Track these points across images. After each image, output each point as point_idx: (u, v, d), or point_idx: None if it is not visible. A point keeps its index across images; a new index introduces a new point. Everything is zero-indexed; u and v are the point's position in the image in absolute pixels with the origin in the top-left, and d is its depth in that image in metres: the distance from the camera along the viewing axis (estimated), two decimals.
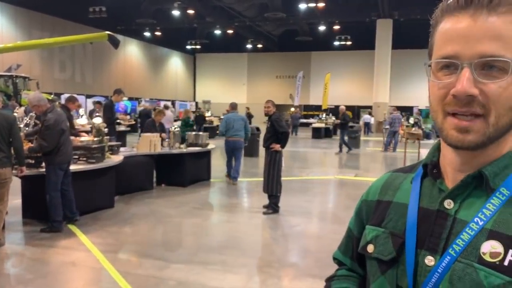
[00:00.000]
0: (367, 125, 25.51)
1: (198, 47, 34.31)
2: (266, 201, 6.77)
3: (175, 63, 38.42)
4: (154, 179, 8.47)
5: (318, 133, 22.05)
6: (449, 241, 0.72)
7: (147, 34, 30.42)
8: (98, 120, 7.10)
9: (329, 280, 1.01)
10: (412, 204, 0.80)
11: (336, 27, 27.50)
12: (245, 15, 25.85)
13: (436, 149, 0.82)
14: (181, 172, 8.51)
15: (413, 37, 21.59)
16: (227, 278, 4.19)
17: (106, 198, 6.60)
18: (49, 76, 25.06)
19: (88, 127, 10.25)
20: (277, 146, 6.48)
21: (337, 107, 30.78)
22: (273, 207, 6.65)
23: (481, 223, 0.70)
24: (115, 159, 6.77)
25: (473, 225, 0.71)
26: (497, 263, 0.67)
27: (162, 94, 34.02)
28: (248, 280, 4.19)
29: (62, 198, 5.48)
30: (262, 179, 6.77)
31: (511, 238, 0.68)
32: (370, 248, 0.84)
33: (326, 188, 9.21)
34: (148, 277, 4.15)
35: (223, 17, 26.83)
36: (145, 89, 32.78)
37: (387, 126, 16.41)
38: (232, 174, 9.06)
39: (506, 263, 0.66)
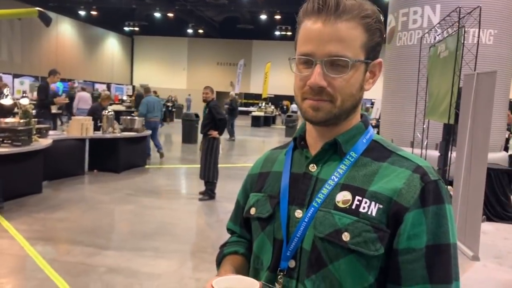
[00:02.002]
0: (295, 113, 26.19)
1: (136, 29, 33.15)
2: (202, 187, 6.78)
3: (112, 45, 36.87)
4: (86, 165, 8.17)
5: (257, 122, 22.29)
6: (313, 196, 0.90)
7: (82, 12, 28.91)
8: (25, 101, 6.70)
9: (222, 247, 1.13)
10: (285, 170, 0.98)
11: (277, 17, 27.74)
12: None
13: (304, 126, 0.99)
14: (114, 157, 8.27)
15: None
16: (159, 264, 4.18)
17: (33, 183, 6.28)
18: None
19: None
20: (214, 133, 6.50)
21: (277, 96, 31.29)
22: (209, 193, 6.69)
23: (336, 179, 0.89)
24: (43, 142, 6.44)
25: (330, 182, 0.89)
26: (347, 207, 0.85)
27: (97, 76, 32.58)
28: (180, 265, 4.21)
29: None
30: (199, 165, 6.77)
31: (356, 188, 0.86)
32: (253, 210, 1.00)
33: None
34: (76, 264, 4.04)
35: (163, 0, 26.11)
36: (79, 70, 31.20)
37: None
38: (160, 149, 9.92)
39: (353, 207, 0.85)
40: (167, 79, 36.34)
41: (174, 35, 36.03)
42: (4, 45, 26.28)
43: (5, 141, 5.85)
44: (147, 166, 9.16)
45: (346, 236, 0.83)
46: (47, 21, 18.84)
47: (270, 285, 0.91)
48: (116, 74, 36.87)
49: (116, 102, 23.78)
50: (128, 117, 9.00)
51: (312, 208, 0.88)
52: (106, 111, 8.46)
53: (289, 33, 30.71)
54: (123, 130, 8.59)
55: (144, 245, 4.62)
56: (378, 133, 11.63)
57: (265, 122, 22.65)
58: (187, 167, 9.70)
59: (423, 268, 0.81)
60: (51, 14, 18.28)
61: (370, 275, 0.83)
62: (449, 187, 6.29)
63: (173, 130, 17.29)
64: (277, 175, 0.99)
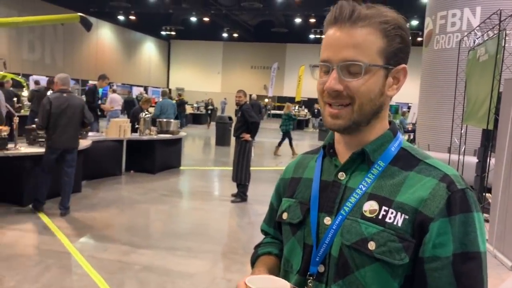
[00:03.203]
0: None
1: (173, 33, 33.83)
2: (235, 189, 6.86)
3: (149, 49, 37.78)
4: (124, 165, 8.42)
5: None
6: (341, 204, 0.92)
7: (121, 17, 29.77)
8: None
9: (257, 247, 1.18)
10: (315, 178, 1.00)
11: (312, 20, 27.64)
12: (222, 4, 25.66)
13: (333, 134, 1.01)
14: (150, 159, 8.49)
15: None
16: (192, 263, 4.27)
17: (73, 182, 6.52)
18: (17, 56, 24.25)
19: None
20: (247, 136, 6.57)
21: (310, 99, 31.13)
22: (241, 195, 6.75)
23: (363, 189, 0.91)
24: (83, 143, 6.69)
25: (358, 191, 0.91)
26: (374, 217, 0.87)
27: (135, 80, 33.45)
28: (212, 265, 4.29)
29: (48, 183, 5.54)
30: (231, 168, 6.85)
31: (383, 198, 0.88)
32: (285, 215, 1.03)
33: None
34: (113, 262, 4.18)
35: (200, 4, 26.53)
36: (117, 73, 32.11)
37: None
38: None
39: (380, 216, 0.87)
40: (202, 83, 36.83)
41: (209, 39, 36.52)
42: (48, 49, 27.41)
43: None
44: (181, 168, 9.33)
45: (371, 245, 0.85)
46: (88, 26, 19.44)
47: None
48: (153, 77, 37.72)
49: (153, 105, 24.29)
50: (164, 120, 9.21)
51: (340, 216, 0.90)
52: (143, 113, 8.69)
53: (323, 36, 30.48)
54: (159, 132, 8.79)
55: (177, 245, 4.72)
56: (414, 137, 11.35)
57: (298, 125, 22.57)
58: (220, 169, 9.82)
59: (450, 276, 0.82)
60: (92, 19, 18.97)
61: (395, 283, 0.85)
62: (487, 194, 6.10)
63: (210, 133, 17.53)
64: (308, 182, 1.02)
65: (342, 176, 0.95)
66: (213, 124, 17.06)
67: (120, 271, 3.99)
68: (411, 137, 12.41)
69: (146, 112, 8.89)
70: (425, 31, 9.46)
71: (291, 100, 25.00)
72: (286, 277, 0.99)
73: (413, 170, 0.90)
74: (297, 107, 24.85)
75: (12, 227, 4.95)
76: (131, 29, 33.89)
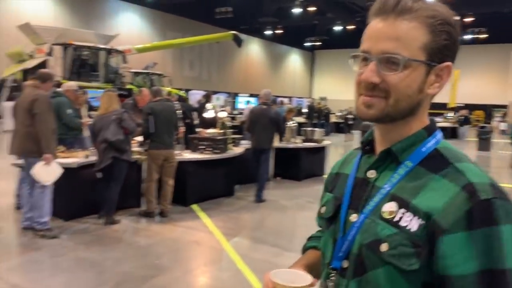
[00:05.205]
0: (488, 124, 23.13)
1: (317, 43, 34.37)
2: None
3: (294, 60, 38.98)
4: (272, 172, 8.83)
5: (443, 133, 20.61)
6: (367, 202, 0.91)
7: (268, 32, 31.38)
8: (223, 114, 7.65)
9: (309, 239, 1.25)
10: (351, 174, 1.00)
11: (469, 19, 25.30)
12: (368, 10, 25.19)
13: (372, 131, 0.99)
14: (296, 166, 8.75)
15: None
16: None
17: (227, 186, 7.11)
18: (180, 73, 27.33)
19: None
20: None
21: (467, 105, 28.42)
22: None
23: (387, 188, 0.88)
24: (236, 150, 7.24)
25: (382, 190, 0.88)
26: (391, 219, 0.84)
27: (280, 91, 34.76)
28: None
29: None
30: None
31: (403, 200, 0.85)
32: (323, 209, 1.05)
33: None
34: (264, 262, 4.43)
35: (344, 13, 26.48)
36: (264, 85, 33.63)
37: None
38: None
39: (396, 219, 0.84)
40: (345, 91, 36.48)
41: (354, 47, 35.85)
42: (205, 66, 30.26)
43: (206, 149, 6.78)
44: (324, 176, 9.38)
45: (384, 247, 0.83)
46: (239, 43, 20.94)
47: (324, 283, 0.97)
48: (297, 87, 38.78)
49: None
50: (309, 129, 9.41)
51: (363, 215, 0.90)
52: (289, 122, 9.01)
53: (482, 36, 27.68)
54: (304, 141, 9.02)
55: None
56: None
57: (452, 133, 20.74)
58: None
59: None
60: (242, 36, 20.38)
61: None
62: None
63: (353, 142, 17.34)
64: (345, 177, 1.02)
65: (372, 174, 0.93)
66: (356, 132, 16.79)
67: None
68: None
69: (292, 122, 9.19)
70: None
71: (443, 106, 23.18)
72: (323, 270, 1.01)
73: (438, 174, 0.84)
74: (453, 114, 22.93)
75: (178, 224, 5.60)
76: (277, 43, 35.42)
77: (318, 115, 20.71)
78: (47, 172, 4.59)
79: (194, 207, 6.34)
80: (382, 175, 0.92)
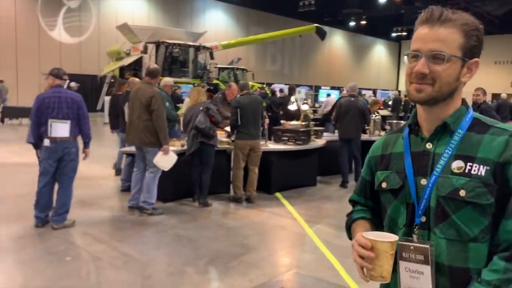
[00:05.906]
0: None
1: (404, 34, 33.03)
2: None
3: (379, 51, 37.84)
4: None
5: None
6: (433, 167, 1.18)
7: (352, 23, 30.78)
8: (305, 107, 7.87)
9: (350, 214, 1.44)
10: (406, 151, 1.26)
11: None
12: None
13: (415, 114, 1.25)
14: None
15: None
16: None
17: (310, 176, 7.35)
18: (262, 68, 27.91)
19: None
20: None
21: None
22: None
23: (449, 152, 1.16)
24: (319, 142, 7.44)
25: (445, 154, 1.16)
26: (461, 172, 1.13)
27: (364, 83, 33.94)
28: None
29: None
30: None
31: (467, 156, 1.14)
32: (384, 184, 1.28)
33: None
34: (346, 248, 4.60)
35: (432, 2, 25.14)
36: (347, 78, 33.18)
37: None
38: None
39: (466, 171, 1.12)
40: None
41: None
42: (286, 60, 30.53)
43: (289, 140, 7.06)
44: None
45: (462, 193, 1.11)
46: (322, 35, 20.76)
47: (408, 237, 1.19)
48: (382, 79, 37.61)
49: (381, 107, 24.24)
50: (394, 121, 9.29)
51: (434, 176, 1.16)
52: (374, 115, 8.98)
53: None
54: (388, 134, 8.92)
55: None
56: None
57: None
58: None
59: None
60: (325, 28, 20.27)
61: (486, 220, 1.10)
62: None
63: None
64: (399, 155, 1.27)
65: (429, 145, 1.20)
66: None
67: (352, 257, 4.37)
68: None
69: (376, 114, 9.14)
70: None
71: None
72: (391, 232, 1.21)
73: (486, 133, 1.15)
74: None
75: (263, 209, 5.96)
76: (361, 34, 34.60)
77: (404, 107, 19.99)
78: (166, 160, 5.27)
79: (278, 195, 6.67)
80: (439, 145, 1.19)
